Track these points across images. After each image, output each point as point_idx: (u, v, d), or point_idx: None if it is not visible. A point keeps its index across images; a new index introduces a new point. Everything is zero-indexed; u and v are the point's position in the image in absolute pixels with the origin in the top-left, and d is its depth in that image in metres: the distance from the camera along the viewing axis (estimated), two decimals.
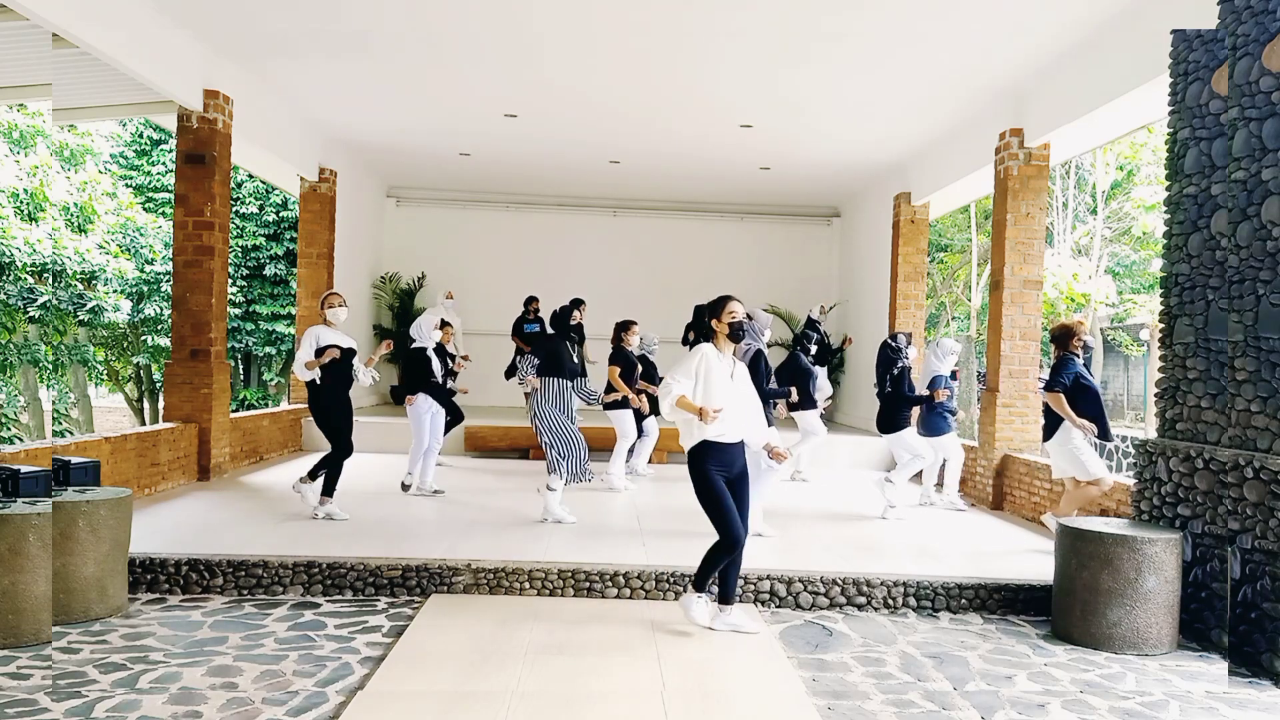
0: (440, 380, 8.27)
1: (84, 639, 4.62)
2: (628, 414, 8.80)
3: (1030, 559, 6.37)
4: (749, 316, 6.85)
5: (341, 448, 6.93)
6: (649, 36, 7.73)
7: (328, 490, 6.94)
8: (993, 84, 8.54)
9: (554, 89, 9.26)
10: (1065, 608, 5.20)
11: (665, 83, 8.93)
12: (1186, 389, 5.69)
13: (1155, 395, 5.97)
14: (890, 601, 5.59)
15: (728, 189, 13.84)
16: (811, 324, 10.90)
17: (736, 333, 4.89)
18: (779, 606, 5.56)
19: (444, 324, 9.51)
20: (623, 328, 8.82)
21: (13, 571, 4.47)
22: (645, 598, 5.56)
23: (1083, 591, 5.09)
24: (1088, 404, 6.61)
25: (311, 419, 7.07)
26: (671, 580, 5.58)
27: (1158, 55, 6.27)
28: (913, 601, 5.60)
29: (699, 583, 5.02)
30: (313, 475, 7.02)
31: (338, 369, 6.89)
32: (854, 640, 5.01)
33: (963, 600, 5.61)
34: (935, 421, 8.15)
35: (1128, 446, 18.64)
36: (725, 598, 5.03)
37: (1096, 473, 6.64)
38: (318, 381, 6.85)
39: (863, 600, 5.59)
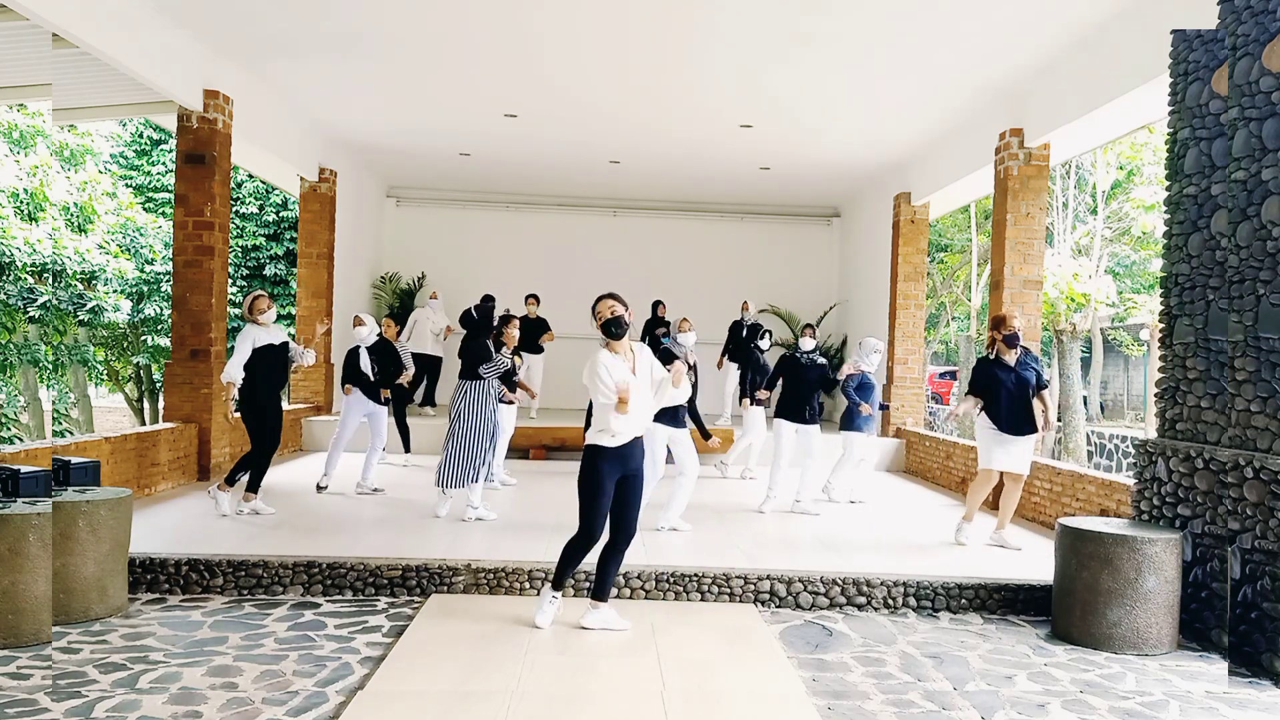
0: (371, 378, 8.27)
1: (84, 639, 4.62)
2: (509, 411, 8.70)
3: (1031, 559, 6.37)
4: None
5: (271, 443, 6.96)
6: (649, 36, 7.73)
7: (253, 487, 6.94)
8: (992, 84, 8.54)
9: (554, 89, 9.26)
10: (1065, 608, 5.20)
11: (665, 83, 8.92)
12: (1186, 389, 5.69)
13: (1155, 395, 5.97)
14: (890, 601, 5.59)
15: (728, 189, 13.84)
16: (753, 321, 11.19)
17: (609, 329, 4.82)
18: (779, 606, 5.56)
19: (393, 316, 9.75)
20: (504, 321, 8.72)
21: (13, 571, 4.47)
22: (645, 598, 5.56)
23: (1083, 591, 5.09)
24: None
25: (242, 415, 7.03)
26: (671, 580, 5.58)
27: (1158, 55, 6.27)
28: (913, 601, 5.60)
29: (559, 581, 5.00)
30: (231, 480, 6.96)
31: (269, 366, 6.89)
32: (854, 640, 5.01)
33: (963, 600, 5.61)
34: (849, 417, 8.42)
35: (1128, 446, 18.66)
36: (600, 594, 4.98)
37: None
38: (253, 381, 6.86)
39: (863, 600, 5.59)
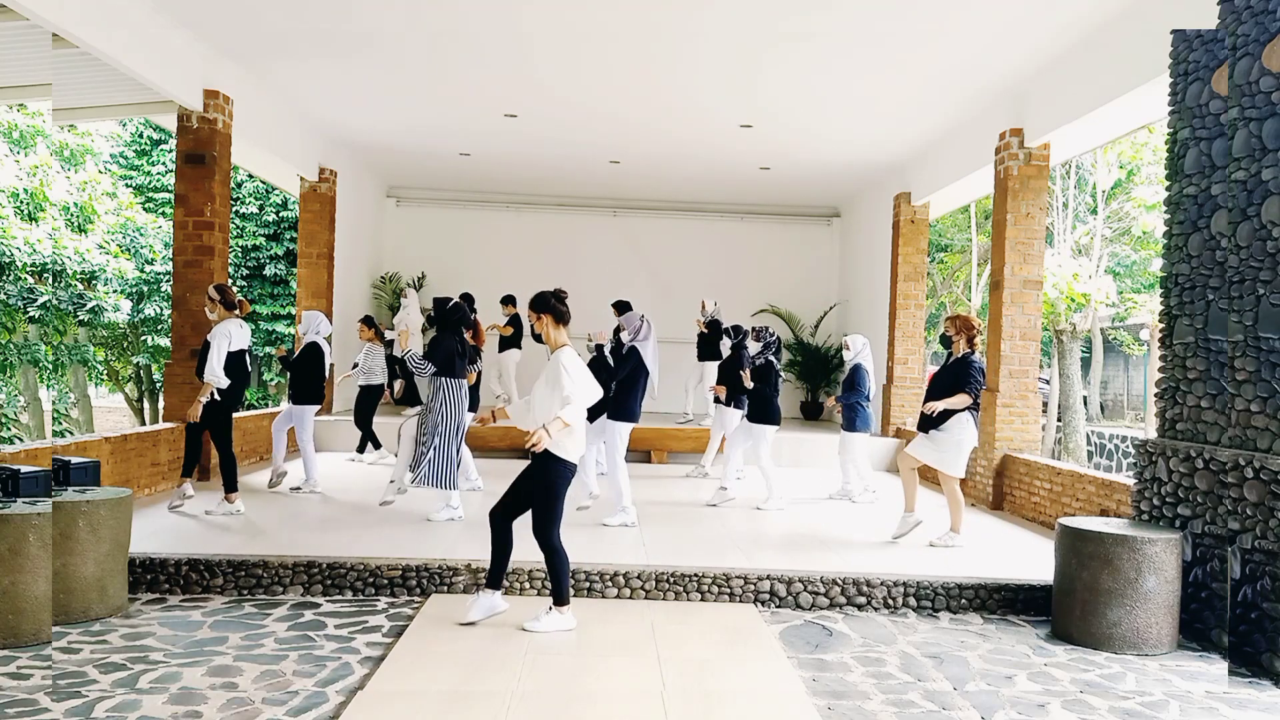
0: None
1: (84, 639, 4.62)
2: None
3: (1031, 559, 6.37)
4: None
5: (229, 443, 6.93)
6: (649, 36, 7.73)
7: (234, 486, 6.90)
8: (992, 84, 8.54)
9: (554, 89, 9.25)
10: (1065, 608, 5.20)
11: (665, 83, 8.92)
12: (1186, 389, 5.69)
13: (1155, 395, 5.98)
14: (890, 601, 5.59)
15: (728, 189, 13.83)
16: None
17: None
18: (779, 606, 5.56)
19: (368, 319, 9.77)
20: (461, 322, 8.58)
21: (13, 571, 4.47)
22: (645, 598, 5.57)
23: (1083, 591, 5.09)
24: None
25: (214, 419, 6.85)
26: (671, 580, 5.58)
27: (1158, 55, 6.27)
28: (913, 601, 5.60)
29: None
30: (235, 487, 6.90)
31: (241, 370, 6.81)
32: (854, 640, 5.01)
33: (963, 600, 5.61)
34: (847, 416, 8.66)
35: (1128, 446, 18.66)
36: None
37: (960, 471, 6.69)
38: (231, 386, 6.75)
39: (863, 600, 5.59)
